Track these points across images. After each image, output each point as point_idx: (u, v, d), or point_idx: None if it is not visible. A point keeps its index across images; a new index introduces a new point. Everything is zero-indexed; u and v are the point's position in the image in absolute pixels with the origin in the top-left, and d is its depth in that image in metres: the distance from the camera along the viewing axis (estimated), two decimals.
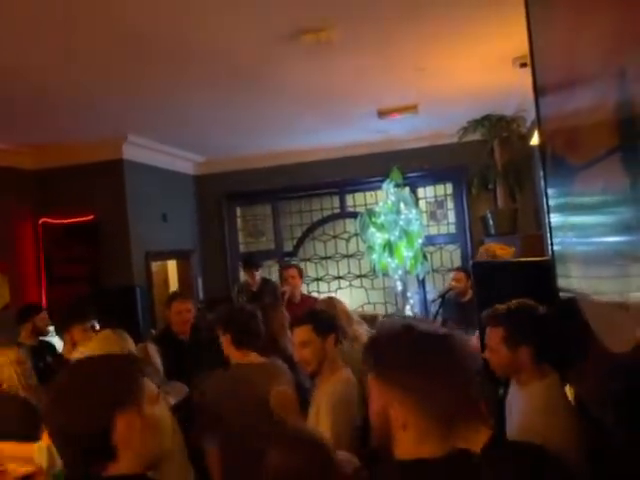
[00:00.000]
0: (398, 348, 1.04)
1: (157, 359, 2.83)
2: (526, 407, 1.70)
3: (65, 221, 5.23)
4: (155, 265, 5.69)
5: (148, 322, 5.12)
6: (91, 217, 5.19)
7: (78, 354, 2.07)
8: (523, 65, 3.54)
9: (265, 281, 5.04)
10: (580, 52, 1.47)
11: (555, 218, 2.02)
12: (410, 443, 1.01)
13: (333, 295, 3.06)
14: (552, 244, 2.07)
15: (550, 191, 2.01)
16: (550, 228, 2.07)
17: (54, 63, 3.19)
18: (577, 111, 1.56)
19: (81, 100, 3.90)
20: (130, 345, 2.13)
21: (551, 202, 2.01)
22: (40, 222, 5.26)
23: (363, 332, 2.91)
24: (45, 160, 5.23)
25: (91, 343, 2.08)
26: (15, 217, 5.12)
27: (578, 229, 1.74)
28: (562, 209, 1.91)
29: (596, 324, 1.59)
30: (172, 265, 6.37)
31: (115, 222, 5.18)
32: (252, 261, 5.11)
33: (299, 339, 2.17)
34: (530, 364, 1.76)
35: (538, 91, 2.03)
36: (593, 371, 1.67)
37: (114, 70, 3.40)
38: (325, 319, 2.25)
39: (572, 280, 1.89)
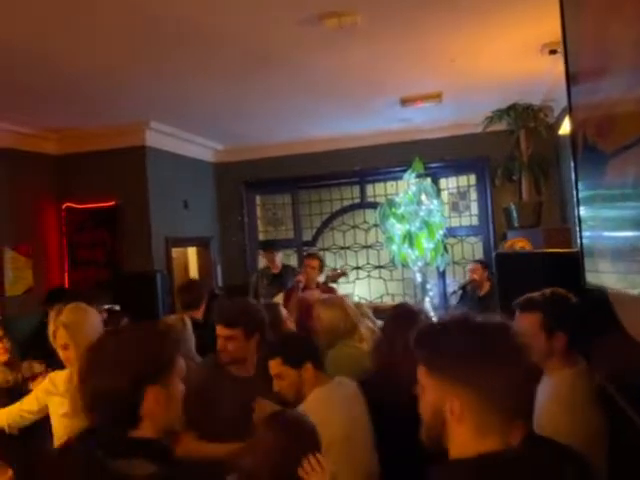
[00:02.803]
0: (454, 340, 1.01)
1: (191, 332, 2.92)
2: (553, 393, 1.68)
3: (88, 206, 5.29)
4: (175, 251, 5.73)
5: (167, 307, 5.17)
6: (113, 202, 5.25)
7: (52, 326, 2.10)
8: (552, 52, 3.44)
9: (286, 266, 5.13)
10: (614, 38, 1.40)
11: (584, 210, 1.96)
12: (467, 437, 0.98)
13: (335, 294, 2.91)
14: (581, 237, 2.01)
15: (580, 182, 1.95)
16: (579, 220, 2.01)
17: (78, 49, 3.20)
18: (610, 97, 1.50)
19: (105, 86, 3.92)
20: (97, 318, 2.16)
21: (580, 193, 1.95)
22: (63, 207, 5.34)
23: (368, 331, 2.86)
24: (69, 145, 5.29)
25: (69, 311, 2.13)
26: (39, 201, 5.19)
27: (608, 220, 1.68)
28: (592, 200, 1.85)
29: (624, 316, 1.54)
30: (192, 252, 6.41)
31: (136, 208, 5.22)
32: (271, 244, 5.28)
33: (272, 372, 2.02)
34: (563, 351, 1.78)
35: (570, 78, 1.96)
36: (621, 362, 1.63)
37: (138, 57, 3.40)
38: (297, 348, 2.06)
39: (600, 274, 1.83)
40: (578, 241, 2.01)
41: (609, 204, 1.65)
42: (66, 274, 5.34)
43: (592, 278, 1.93)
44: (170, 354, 1.23)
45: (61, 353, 2.10)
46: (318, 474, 1.50)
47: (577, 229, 2.02)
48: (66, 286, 5.21)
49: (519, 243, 3.25)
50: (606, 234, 1.73)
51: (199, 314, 3.26)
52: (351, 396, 2.06)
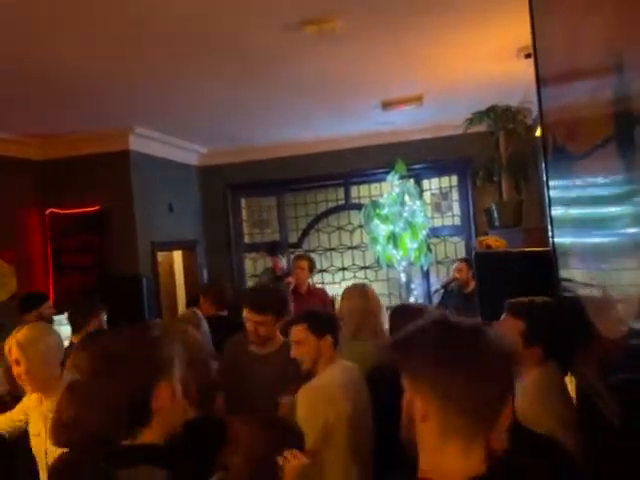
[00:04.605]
0: (421, 341, 1.03)
1: (205, 325, 3.11)
2: (520, 389, 1.74)
3: (72, 211, 5.28)
4: (161, 255, 5.73)
5: (154, 311, 5.17)
6: (98, 207, 5.24)
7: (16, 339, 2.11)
8: (528, 56, 3.52)
9: (288, 271, 5.21)
10: (580, 44, 1.47)
11: (556, 210, 2.03)
12: (431, 439, 1.00)
13: (365, 282, 3.07)
14: (553, 236, 2.08)
15: (551, 182, 2.02)
16: (551, 220, 2.08)
17: (61, 54, 3.21)
18: (578, 100, 1.57)
19: (89, 91, 3.92)
20: (55, 338, 2.19)
21: (551, 193, 2.02)
22: (47, 212, 5.32)
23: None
24: (52, 151, 5.27)
25: (26, 329, 2.15)
26: (22, 207, 5.17)
27: (576, 220, 1.75)
28: (562, 200, 1.92)
29: (596, 316, 1.60)
30: (178, 255, 6.42)
31: (121, 212, 5.22)
32: (276, 248, 5.41)
33: (294, 338, 2.18)
34: (536, 361, 1.82)
35: (540, 82, 2.03)
36: (595, 363, 1.69)
37: (121, 61, 3.41)
38: (322, 320, 2.25)
39: (572, 271, 1.90)
40: (550, 240, 2.08)
41: (578, 204, 1.71)
42: (50, 280, 5.31)
43: (565, 276, 2.00)
44: (170, 350, 1.28)
45: (14, 369, 2.10)
46: (292, 464, 1.55)
47: (549, 228, 2.09)
48: (49, 292, 5.18)
49: (488, 240, 3.34)
50: (576, 233, 1.80)
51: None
52: (357, 381, 2.16)
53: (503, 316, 1.93)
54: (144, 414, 1.18)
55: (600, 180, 1.43)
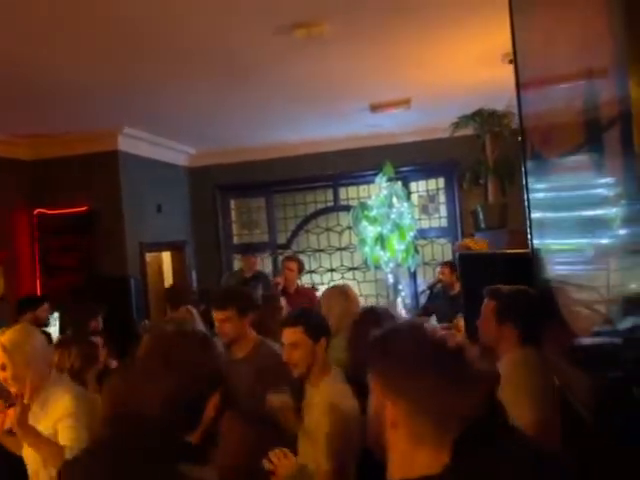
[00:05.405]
0: (392, 348, 1.04)
1: (200, 322, 3.04)
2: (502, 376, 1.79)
3: (60, 212, 5.26)
4: (149, 256, 5.74)
5: (142, 312, 5.17)
6: (86, 208, 5.23)
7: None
8: (511, 61, 3.59)
9: (259, 272, 5.18)
10: (553, 52, 1.53)
11: (534, 213, 2.09)
12: (402, 442, 1.00)
13: (346, 283, 3.09)
14: (532, 238, 2.14)
15: (530, 186, 2.08)
16: (530, 222, 2.13)
17: (51, 54, 3.22)
18: (552, 108, 1.62)
19: (78, 92, 3.93)
20: (41, 340, 2.18)
21: (530, 197, 2.08)
22: (35, 213, 5.30)
23: None
24: (41, 151, 5.26)
25: (10, 332, 2.13)
26: (10, 208, 5.15)
27: (553, 223, 1.81)
28: (540, 204, 1.98)
29: (571, 312, 1.66)
30: (166, 256, 6.42)
31: (110, 213, 5.22)
32: (249, 248, 5.47)
33: (289, 340, 2.05)
34: (512, 341, 1.92)
35: (520, 88, 2.09)
36: (569, 358, 1.74)
37: (110, 62, 3.43)
38: (318, 321, 2.13)
39: (550, 272, 1.96)
40: (529, 242, 2.14)
41: (554, 208, 1.77)
42: (38, 280, 5.29)
43: (544, 276, 2.05)
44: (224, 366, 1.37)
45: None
46: (285, 463, 1.58)
47: (529, 230, 2.14)
48: (38, 293, 5.17)
49: (468, 243, 3.43)
50: (553, 235, 1.85)
51: None
52: None
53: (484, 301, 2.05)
54: (196, 421, 1.25)
55: (572, 184, 1.49)
